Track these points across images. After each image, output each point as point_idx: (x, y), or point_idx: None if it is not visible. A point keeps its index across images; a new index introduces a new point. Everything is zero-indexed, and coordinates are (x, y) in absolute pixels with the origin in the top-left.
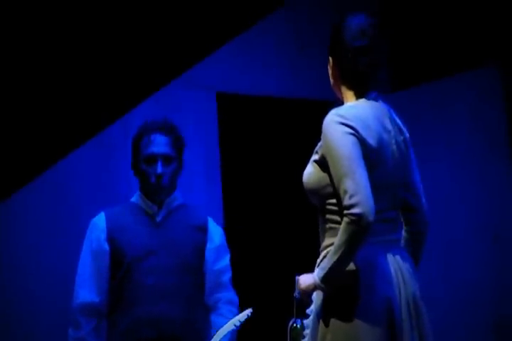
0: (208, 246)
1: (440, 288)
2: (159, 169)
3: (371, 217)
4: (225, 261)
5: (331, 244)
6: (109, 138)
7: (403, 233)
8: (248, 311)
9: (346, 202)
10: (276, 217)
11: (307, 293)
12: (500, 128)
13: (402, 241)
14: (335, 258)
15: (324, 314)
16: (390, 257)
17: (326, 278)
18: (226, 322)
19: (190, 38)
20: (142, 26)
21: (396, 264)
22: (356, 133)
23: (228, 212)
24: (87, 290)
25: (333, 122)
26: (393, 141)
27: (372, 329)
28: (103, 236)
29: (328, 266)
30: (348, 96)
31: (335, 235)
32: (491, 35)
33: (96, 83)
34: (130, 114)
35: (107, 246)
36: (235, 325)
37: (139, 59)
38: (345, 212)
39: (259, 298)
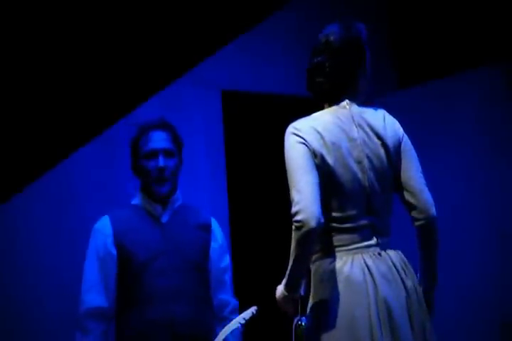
0: (213, 244)
1: (445, 287)
2: (161, 162)
3: (313, 223)
4: (227, 259)
5: (315, 251)
6: (113, 137)
7: (416, 230)
8: (253, 309)
9: (292, 210)
10: (281, 215)
11: (281, 302)
12: (506, 127)
13: (417, 240)
14: (290, 265)
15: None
16: (358, 264)
17: (287, 286)
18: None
19: (195, 36)
20: (148, 25)
21: (366, 270)
22: (306, 142)
23: (233, 210)
24: (94, 295)
25: (287, 133)
26: (361, 148)
27: (336, 337)
28: (110, 240)
29: (287, 273)
30: (323, 104)
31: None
32: (499, 34)
33: (99, 82)
34: (135, 113)
35: (114, 251)
36: (240, 323)
37: (143, 58)
38: (292, 219)
39: (263, 296)
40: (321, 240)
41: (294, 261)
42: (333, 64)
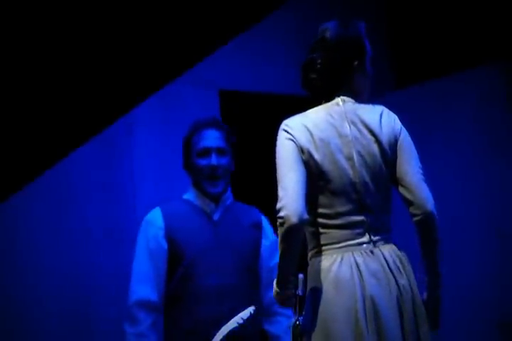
0: (264, 242)
1: (445, 287)
2: (214, 160)
3: (295, 219)
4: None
5: (310, 249)
6: (112, 137)
7: (415, 227)
8: (251, 308)
9: (276, 206)
10: None
11: (277, 300)
12: (505, 127)
13: (417, 236)
14: (279, 261)
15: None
16: (347, 262)
17: (278, 283)
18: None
19: (194, 36)
20: (146, 24)
21: (355, 268)
22: (294, 139)
23: None
24: (144, 287)
25: (279, 130)
26: (351, 145)
27: (319, 336)
28: (161, 233)
29: (277, 269)
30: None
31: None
32: (498, 34)
33: (98, 82)
34: (133, 112)
35: (165, 244)
36: (238, 323)
37: (142, 57)
38: (276, 216)
39: None
40: (314, 237)
41: (280, 257)
42: (325, 61)
